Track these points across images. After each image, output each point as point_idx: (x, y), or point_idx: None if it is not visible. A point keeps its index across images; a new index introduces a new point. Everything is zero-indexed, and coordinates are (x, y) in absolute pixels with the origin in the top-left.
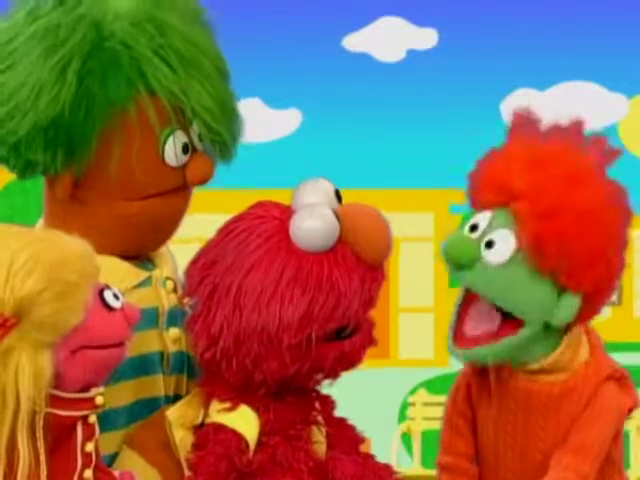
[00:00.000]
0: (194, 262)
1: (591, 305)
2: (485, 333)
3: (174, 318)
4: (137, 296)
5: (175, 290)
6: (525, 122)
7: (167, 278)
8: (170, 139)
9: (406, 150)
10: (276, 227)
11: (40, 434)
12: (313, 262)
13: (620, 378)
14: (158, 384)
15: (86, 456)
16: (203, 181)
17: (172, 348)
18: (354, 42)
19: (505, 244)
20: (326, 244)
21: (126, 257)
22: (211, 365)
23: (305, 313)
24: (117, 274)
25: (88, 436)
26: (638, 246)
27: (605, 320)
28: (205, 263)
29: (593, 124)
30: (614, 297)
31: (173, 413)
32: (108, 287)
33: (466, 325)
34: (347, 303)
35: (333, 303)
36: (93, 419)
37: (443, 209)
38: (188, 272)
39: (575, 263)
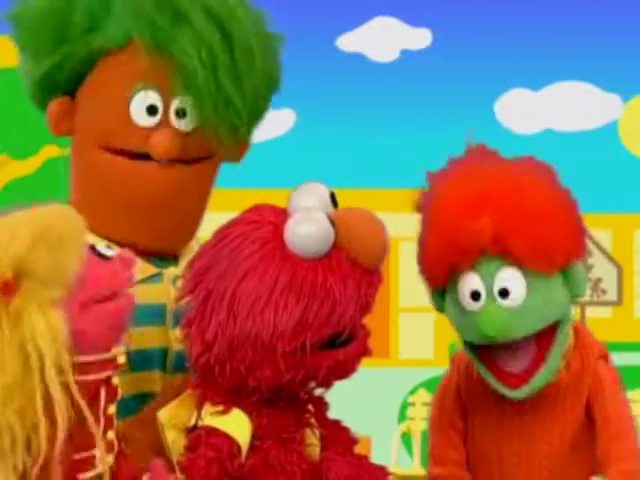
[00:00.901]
0: (188, 267)
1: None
2: (531, 360)
3: (182, 317)
4: (142, 290)
5: None
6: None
7: (178, 277)
8: (139, 94)
9: (400, 150)
10: (271, 233)
11: (75, 390)
12: (307, 269)
13: (604, 356)
14: (155, 381)
15: (108, 418)
16: (162, 153)
17: (177, 346)
18: (348, 42)
19: (517, 282)
20: (321, 249)
21: (144, 252)
22: (205, 369)
23: (299, 320)
24: None
25: (110, 398)
26: (638, 246)
27: (605, 320)
28: (200, 268)
29: (587, 124)
30: (614, 297)
31: (165, 414)
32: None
33: (505, 364)
34: (342, 309)
35: (328, 310)
36: (116, 380)
37: None
38: (184, 275)
39: (561, 245)
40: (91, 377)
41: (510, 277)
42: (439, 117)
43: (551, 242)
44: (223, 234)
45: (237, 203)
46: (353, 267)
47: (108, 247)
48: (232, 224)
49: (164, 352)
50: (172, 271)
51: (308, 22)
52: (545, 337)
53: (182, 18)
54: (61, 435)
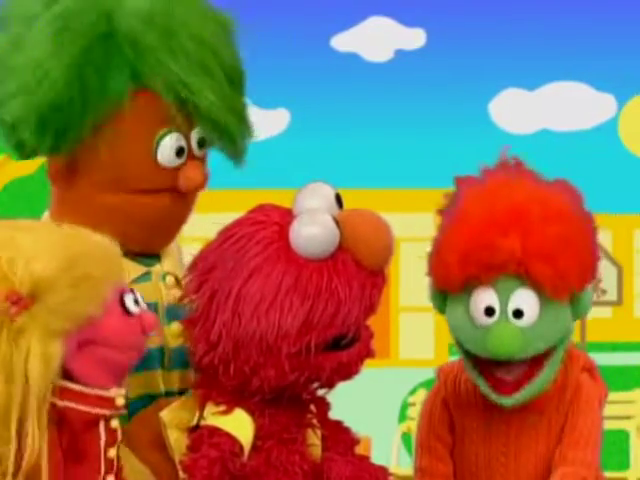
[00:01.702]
0: (192, 267)
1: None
2: (526, 370)
3: (175, 313)
4: None
5: (178, 284)
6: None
7: (167, 273)
8: (165, 140)
9: (395, 150)
10: (276, 233)
11: (45, 422)
12: (312, 270)
13: (590, 369)
14: (157, 380)
15: (109, 462)
16: (194, 188)
17: (173, 343)
18: (342, 42)
19: (531, 304)
20: (326, 251)
21: (128, 252)
22: (208, 369)
23: (304, 321)
24: None
25: (111, 441)
26: (638, 246)
27: (605, 320)
28: (204, 268)
29: (583, 124)
30: (614, 297)
31: (168, 414)
32: (132, 291)
33: (499, 371)
34: (347, 310)
35: (332, 311)
36: (115, 424)
37: None
38: (185, 277)
39: (577, 273)
40: (83, 407)
41: (526, 298)
42: (434, 117)
43: (572, 271)
44: (228, 234)
45: (232, 203)
46: (358, 268)
47: (136, 301)
48: (237, 224)
49: (161, 350)
50: (159, 268)
51: (303, 22)
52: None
53: (193, 62)
54: (26, 466)
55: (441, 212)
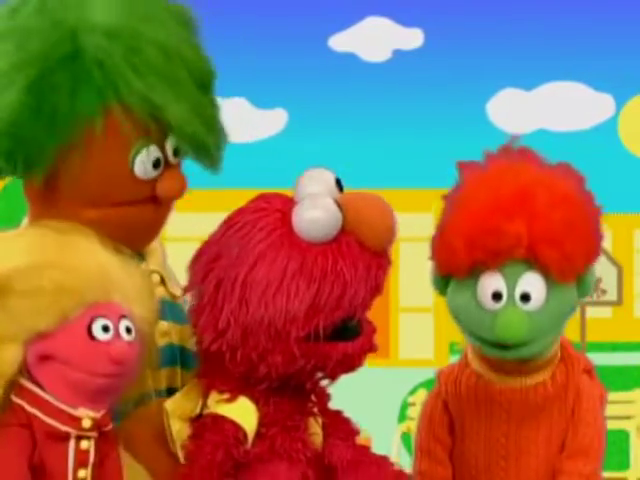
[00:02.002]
0: (197, 257)
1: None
2: None
3: (161, 311)
4: None
5: (163, 283)
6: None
7: (152, 271)
8: (141, 153)
9: (393, 149)
10: (278, 220)
11: None
12: (317, 253)
13: (589, 370)
14: (146, 379)
15: None
16: (172, 197)
17: (160, 342)
18: (340, 42)
19: (539, 288)
20: (329, 233)
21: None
22: (214, 357)
23: (311, 304)
24: None
25: (81, 462)
26: (638, 246)
27: (605, 320)
28: (209, 257)
29: (581, 124)
30: (614, 297)
31: (170, 405)
32: (105, 317)
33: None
34: (353, 292)
35: (339, 292)
36: (87, 445)
37: None
38: (191, 268)
39: (583, 255)
40: (48, 419)
41: (533, 282)
42: (432, 117)
43: (578, 254)
44: (231, 223)
45: (230, 203)
46: (362, 250)
47: (106, 328)
48: (239, 212)
49: None
50: (144, 267)
51: (300, 23)
52: None
53: (162, 76)
54: None
55: (444, 197)
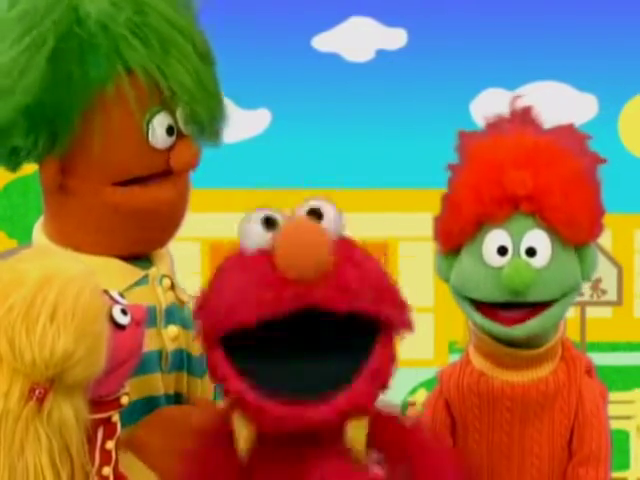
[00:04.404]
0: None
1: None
2: (523, 313)
3: (172, 316)
4: (134, 295)
5: (172, 287)
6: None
7: (164, 276)
8: (154, 120)
9: (376, 150)
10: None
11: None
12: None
13: (589, 370)
14: (157, 383)
15: (105, 453)
16: (187, 166)
17: (170, 346)
18: (323, 42)
19: (543, 241)
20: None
21: (122, 257)
22: None
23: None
24: (113, 275)
25: (109, 434)
26: (638, 246)
27: (605, 320)
28: None
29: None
30: (614, 297)
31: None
32: (112, 302)
33: (502, 312)
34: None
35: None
36: (116, 418)
37: None
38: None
39: (587, 218)
40: (93, 416)
41: (539, 238)
42: (415, 117)
43: (581, 211)
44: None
45: (212, 203)
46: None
47: (123, 311)
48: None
49: (160, 353)
50: (155, 271)
51: (284, 22)
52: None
53: (165, 42)
54: None
55: (451, 166)
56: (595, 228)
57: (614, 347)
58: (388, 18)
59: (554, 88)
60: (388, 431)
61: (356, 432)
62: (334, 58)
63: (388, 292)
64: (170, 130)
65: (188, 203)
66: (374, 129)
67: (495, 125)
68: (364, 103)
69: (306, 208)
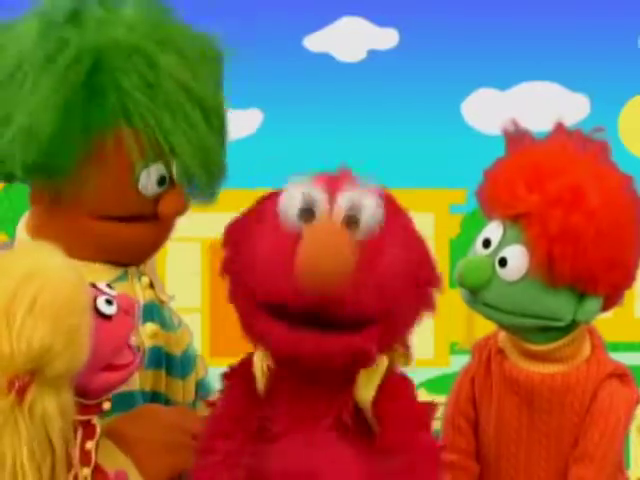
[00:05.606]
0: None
1: (610, 300)
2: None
3: (150, 313)
4: None
5: (151, 286)
6: (520, 135)
7: (142, 274)
8: (146, 171)
9: (367, 149)
10: None
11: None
12: None
13: (621, 375)
14: (134, 379)
15: (85, 454)
16: (174, 215)
17: (148, 343)
18: (315, 42)
19: (518, 261)
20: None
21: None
22: None
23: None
24: (91, 274)
25: (89, 435)
26: None
27: (605, 320)
28: None
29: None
30: None
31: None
32: (97, 292)
33: None
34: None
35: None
36: (95, 420)
37: (443, 209)
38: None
39: (593, 273)
40: (81, 417)
41: (518, 257)
42: (406, 117)
43: (566, 261)
44: None
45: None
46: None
47: (108, 301)
48: None
49: (137, 350)
50: (134, 269)
51: (275, 22)
52: None
53: (170, 103)
54: None
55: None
56: (611, 281)
57: (614, 347)
58: (380, 18)
59: (545, 88)
60: (393, 404)
61: (364, 391)
62: (326, 58)
63: (404, 297)
64: (162, 180)
65: (171, 231)
66: (366, 129)
67: (561, 133)
68: (355, 103)
69: (344, 206)
